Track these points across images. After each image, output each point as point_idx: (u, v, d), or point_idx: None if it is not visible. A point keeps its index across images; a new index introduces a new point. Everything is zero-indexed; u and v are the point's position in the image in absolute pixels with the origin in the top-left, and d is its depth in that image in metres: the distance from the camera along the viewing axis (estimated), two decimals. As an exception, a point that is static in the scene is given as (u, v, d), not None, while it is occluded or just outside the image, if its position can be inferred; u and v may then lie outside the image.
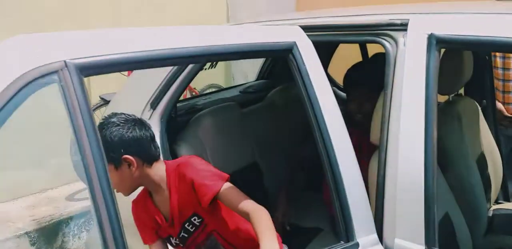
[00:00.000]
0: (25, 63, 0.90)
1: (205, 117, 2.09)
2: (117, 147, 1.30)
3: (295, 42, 1.26)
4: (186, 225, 1.45)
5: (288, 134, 2.38)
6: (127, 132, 1.33)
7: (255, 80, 2.89)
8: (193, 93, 3.79)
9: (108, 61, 1.00)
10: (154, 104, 1.89)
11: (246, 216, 1.30)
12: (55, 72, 0.92)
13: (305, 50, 1.27)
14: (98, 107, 3.19)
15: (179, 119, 2.06)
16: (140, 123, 1.38)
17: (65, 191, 3.00)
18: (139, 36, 1.10)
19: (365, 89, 1.73)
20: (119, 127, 1.33)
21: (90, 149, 0.91)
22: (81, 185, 3.02)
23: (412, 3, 1.68)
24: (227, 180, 1.37)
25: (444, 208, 1.38)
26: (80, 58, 0.96)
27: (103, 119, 1.39)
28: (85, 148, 0.91)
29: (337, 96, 1.33)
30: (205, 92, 3.33)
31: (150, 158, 1.38)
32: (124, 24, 3.51)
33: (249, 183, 2.07)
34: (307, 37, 1.30)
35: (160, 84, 1.90)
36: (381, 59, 1.33)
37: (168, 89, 1.90)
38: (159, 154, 1.44)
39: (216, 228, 1.46)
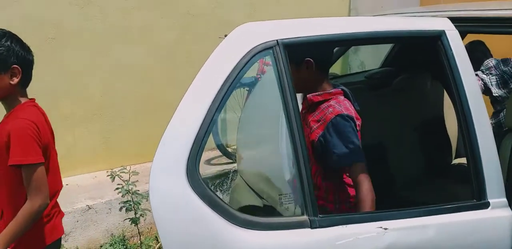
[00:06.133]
0: (254, 40, 1.29)
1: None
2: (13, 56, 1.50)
3: (444, 31, 1.48)
4: None
5: (413, 120, 2.57)
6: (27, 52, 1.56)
7: (380, 67, 3.09)
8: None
9: (301, 41, 1.36)
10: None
11: (27, 195, 1.49)
12: (271, 47, 1.30)
13: (452, 38, 1.48)
14: None
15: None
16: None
17: (203, 157, 3.51)
18: (325, 24, 1.43)
19: None
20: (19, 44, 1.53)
21: (291, 101, 1.27)
22: (217, 153, 3.52)
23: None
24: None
25: None
26: (286, 38, 1.32)
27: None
28: (288, 101, 1.27)
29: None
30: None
31: (27, 82, 1.59)
32: (258, 14, 3.92)
33: (374, 159, 2.36)
34: (454, 27, 1.51)
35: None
36: None
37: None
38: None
39: None
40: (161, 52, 3.43)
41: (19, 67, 1.52)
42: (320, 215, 1.25)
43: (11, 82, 1.51)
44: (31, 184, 1.48)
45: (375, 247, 1.25)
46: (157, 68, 3.42)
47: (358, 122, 1.63)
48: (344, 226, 1.25)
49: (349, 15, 4.88)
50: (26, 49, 1.56)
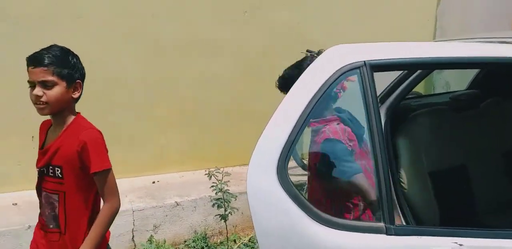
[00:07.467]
0: (342, 60, 1.43)
1: (421, 116, 2.42)
2: (78, 72, 1.61)
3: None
4: (50, 167, 1.61)
5: (500, 146, 2.51)
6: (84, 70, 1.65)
7: (466, 89, 3.04)
8: None
9: (387, 62, 1.47)
10: (383, 99, 2.31)
11: (102, 199, 1.61)
12: (358, 68, 1.42)
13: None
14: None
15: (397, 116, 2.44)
16: None
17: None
18: (412, 47, 1.53)
19: None
20: (80, 61, 1.64)
21: (374, 119, 1.37)
22: (292, 163, 3.64)
23: None
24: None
25: None
26: (373, 60, 1.43)
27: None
28: (372, 119, 1.37)
29: None
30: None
31: (80, 96, 1.66)
32: (338, 34, 4.03)
33: (456, 181, 2.35)
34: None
35: (390, 84, 2.33)
36: None
37: (396, 89, 2.31)
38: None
39: (66, 192, 1.60)
40: (246, 65, 3.66)
41: (81, 82, 1.63)
42: (397, 224, 1.34)
43: (73, 96, 1.60)
44: (108, 188, 1.59)
45: (447, 261, 1.30)
46: (242, 79, 3.64)
47: (351, 143, 1.76)
48: (419, 237, 1.32)
49: (434, 34, 4.80)
50: (83, 67, 1.67)
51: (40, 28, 2.93)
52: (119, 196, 1.63)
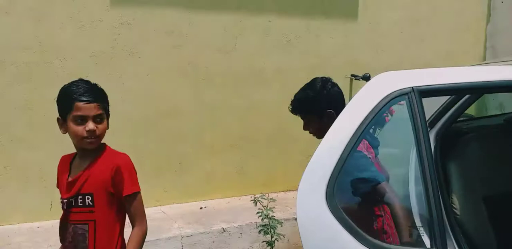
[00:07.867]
0: (390, 87, 1.44)
1: (473, 140, 2.35)
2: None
3: None
4: (79, 196, 1.61)
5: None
6: None
7: (521, 111, 2.92)
8: None
9: (435, 88, 1.46)
10: (432, 124, 2.27)
11: (132, 223, 1.63)
12: (406, 94, 1.42)
13: None
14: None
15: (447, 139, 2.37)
16: None
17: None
18: (458, 72, 1.52)
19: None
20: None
21: (424, 146, 1.35)
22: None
23: None
24: None
25: None
26: (421, 86, 1.44)
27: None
28: (421, 144, 1.36)
29: None
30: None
31: None
32: (384, 54, 4.03)
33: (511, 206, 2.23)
34: None
35: (439, 108, 2.28)
36: None
37: (446, 112, 2.26)
38: None
39: (96, 220, 1.60)
40: (291, 91, 3.69)
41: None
42: (449, 251, 1.30)
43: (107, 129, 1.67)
44: (138, 210, 1.63)
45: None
46: (286, 106, 3.69)
47: (370, 155, 1.73)
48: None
49: (484, 54, 4.68)
50: None
51: (101, 63, 3.16)
52: (146, 219, 1.67)
